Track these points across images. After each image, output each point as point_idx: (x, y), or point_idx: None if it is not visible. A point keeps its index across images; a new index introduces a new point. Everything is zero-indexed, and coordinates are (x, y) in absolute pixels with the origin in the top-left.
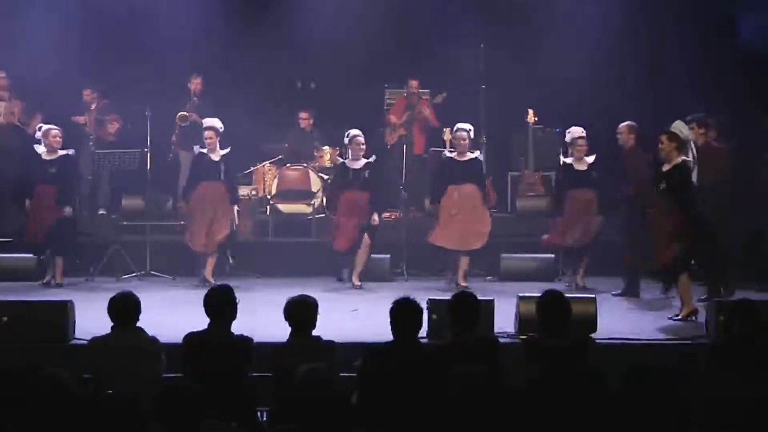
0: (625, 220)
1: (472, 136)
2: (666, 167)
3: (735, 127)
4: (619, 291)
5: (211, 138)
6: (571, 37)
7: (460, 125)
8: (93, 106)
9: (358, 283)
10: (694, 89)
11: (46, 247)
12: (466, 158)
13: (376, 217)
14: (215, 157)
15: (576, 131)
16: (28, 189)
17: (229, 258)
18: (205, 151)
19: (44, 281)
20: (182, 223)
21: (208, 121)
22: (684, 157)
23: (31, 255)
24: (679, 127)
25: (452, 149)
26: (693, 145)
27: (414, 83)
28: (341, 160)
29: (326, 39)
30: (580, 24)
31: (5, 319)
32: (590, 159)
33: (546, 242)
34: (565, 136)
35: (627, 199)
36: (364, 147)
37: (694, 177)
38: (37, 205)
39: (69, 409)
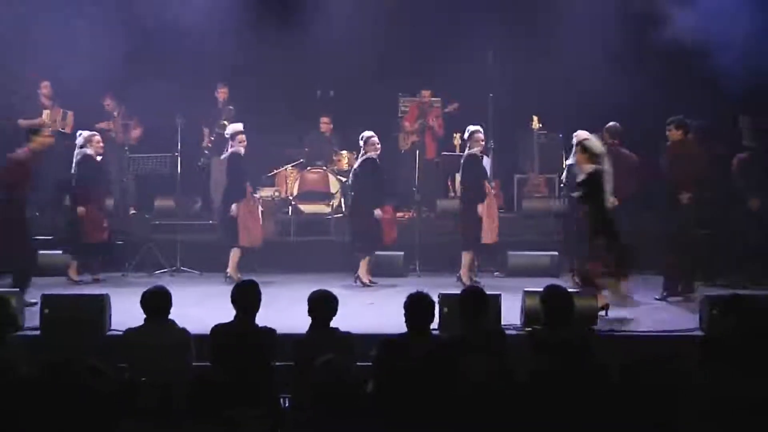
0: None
1: None
2: (581, 177)
3: (723, 132)
4: None
5: (244, 141)
6: (573, 49)
7: (476, 127)
8: (116, 113)
9: (366, 280)
10: (692, 96)
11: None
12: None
13: (378, 211)
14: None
15: (580, 134)
16: (86, 194)
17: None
18: (243, 153)
19: (83, 278)
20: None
21: (239, 126)
22: (597, 167)
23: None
24: (593, 140)
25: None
26: (607, 158)
27: (426, 93)
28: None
29: (344, 51)
30: (582, 36)
31: (47, 311)
32: None
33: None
34: (571, 139)
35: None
36: (371, 146)
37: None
38: (95, 209)
39: (105, 397)
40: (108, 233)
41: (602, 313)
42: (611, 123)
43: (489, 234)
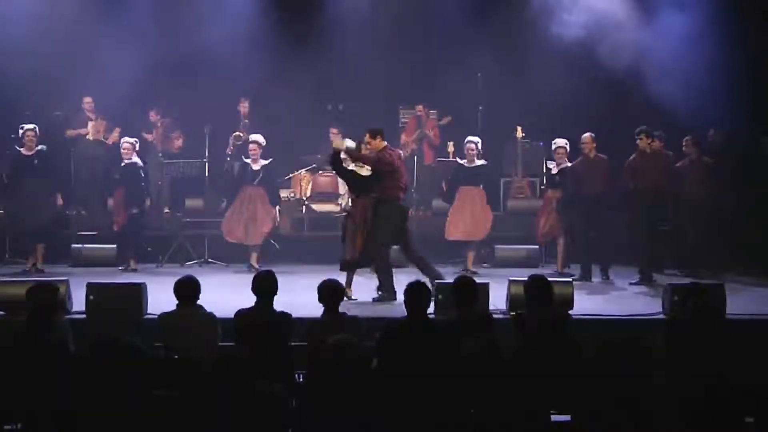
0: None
1: (479, 147)
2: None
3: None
4: (576, 276)
5: (254, 150)
6: (550, 70)
7: (469, 138)
8: (159, 124)
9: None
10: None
11: (119, 239)
12: (473, 165)
13: None
14: (256, 166)
15: (558, 141)
16: (109, 190)
17: (276, 245)
18: (249, 161)
19: (121, 267)
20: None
21: (252, 137)
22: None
23: (111, 246)
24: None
25: (462, 158)
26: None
27: (420, 107)
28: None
29: (351, 71)
30: (558, 59)
31: (92, 297)
32: (567, 164)
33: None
34: (551, 147)
35: (585, 199)
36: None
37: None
38: (114, 204)
39: (144, 371)
40: (119, 226)
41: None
42: (591, 133)
43: (450, 230)
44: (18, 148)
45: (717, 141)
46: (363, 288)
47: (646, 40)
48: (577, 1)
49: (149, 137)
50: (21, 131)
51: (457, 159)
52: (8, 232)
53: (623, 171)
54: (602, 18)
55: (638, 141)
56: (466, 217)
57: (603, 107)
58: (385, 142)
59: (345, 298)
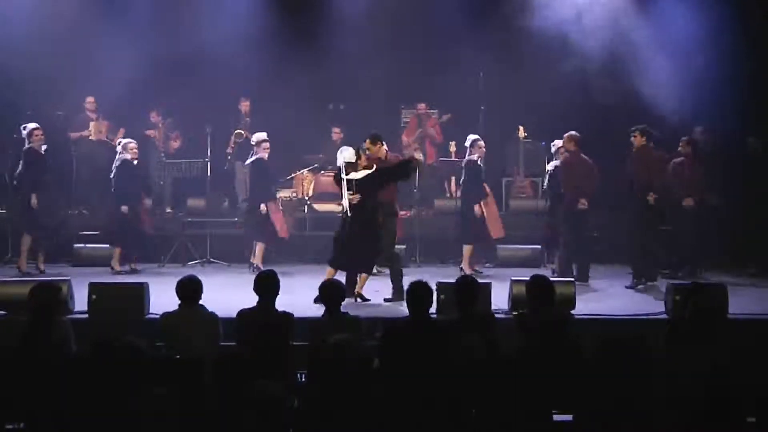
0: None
1: None
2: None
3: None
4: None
5: (268, 148)
6: (553, 67)
7: (479, 138)
8: (160, 125)
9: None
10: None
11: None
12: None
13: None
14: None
15: (558, 142)
16: (136, 197)
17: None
18: (266, 157)
19: (126, 269)
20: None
21: (260, 135)
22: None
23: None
24: (344, 152)
25: (479, 157)
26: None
27: (422, 106)
28: None
29: (353, 70)
30: (559, 58)
31: (94, 297)
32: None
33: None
34: (550, 148)
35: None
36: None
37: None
38: (144, 207)
39: (146, 370)
40: (149, 227)
41: (358, 299)
42: (572, 132)
43: (496, 229)
44: (32, 147)
45: (709, 141)
46: (364, 288)
47: (648, 40)
48: (578, 2)
49: (151, 133)
50: (26, 130)
51: (475, 157)
52: (36, 229)
53: (629, 169)
54: (602, 17)
55: (632, 138)
56: (497, 214)
57: (604, 107)
58: (386, 148)
59: (359, 300)
